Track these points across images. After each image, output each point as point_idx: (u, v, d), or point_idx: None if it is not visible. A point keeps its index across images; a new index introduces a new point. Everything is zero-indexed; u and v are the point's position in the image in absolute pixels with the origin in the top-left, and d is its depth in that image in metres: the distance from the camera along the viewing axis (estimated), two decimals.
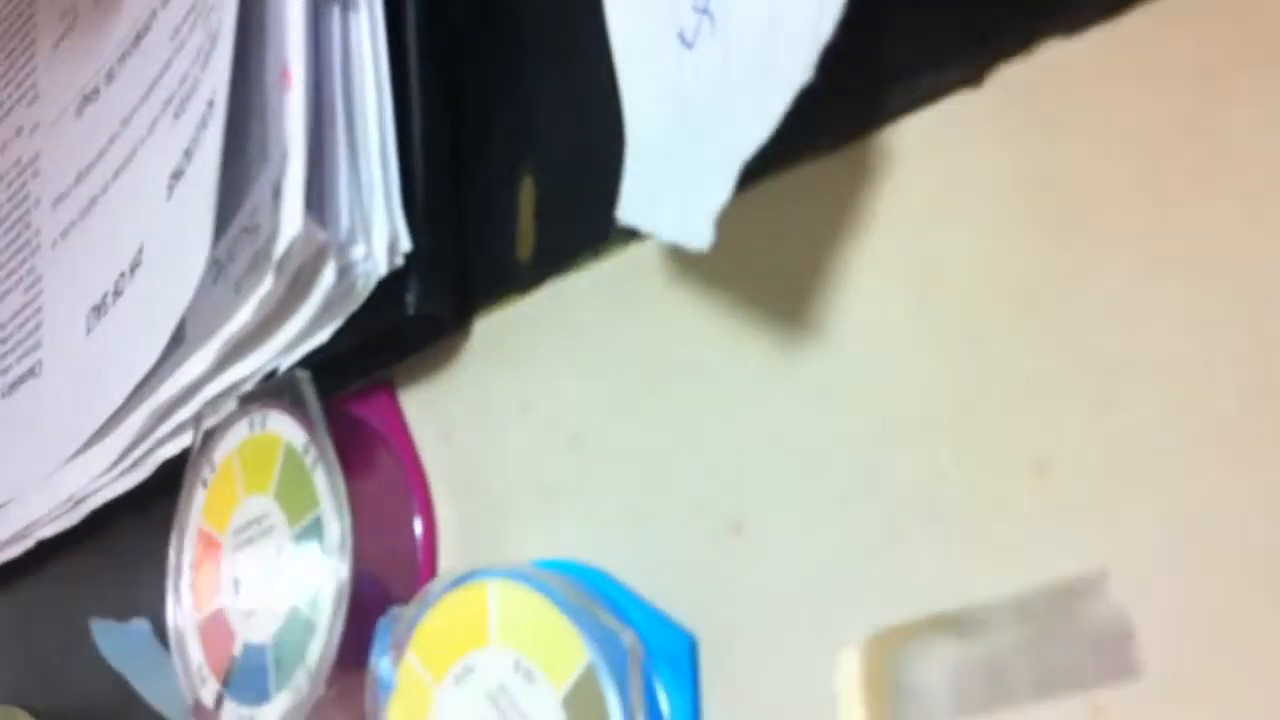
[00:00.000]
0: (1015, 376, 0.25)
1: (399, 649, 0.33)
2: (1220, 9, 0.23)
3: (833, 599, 0.27)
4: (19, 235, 0.54)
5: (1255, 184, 0.22)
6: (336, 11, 0.35)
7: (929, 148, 0.26)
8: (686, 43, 0.29)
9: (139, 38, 0.50)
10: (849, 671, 0.26)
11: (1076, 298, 0.24)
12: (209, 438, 0.39)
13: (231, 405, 0.38)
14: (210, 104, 0.40)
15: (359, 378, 0.38)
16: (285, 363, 0.37)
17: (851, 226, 0.28)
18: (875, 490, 0.27)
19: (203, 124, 0.40)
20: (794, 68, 0.25)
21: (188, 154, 0.42)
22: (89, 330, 0.48)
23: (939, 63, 0.26)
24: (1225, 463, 0.22)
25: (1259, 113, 0.22)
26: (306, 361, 0.37)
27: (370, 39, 0.35)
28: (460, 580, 0.31)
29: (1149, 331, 0.23)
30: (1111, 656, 0.22)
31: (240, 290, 0.36)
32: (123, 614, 0.47)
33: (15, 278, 0.54)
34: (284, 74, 0.36)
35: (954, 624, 0.25)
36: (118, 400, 0.42)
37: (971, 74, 0.26)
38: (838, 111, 0.28)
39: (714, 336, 0.30)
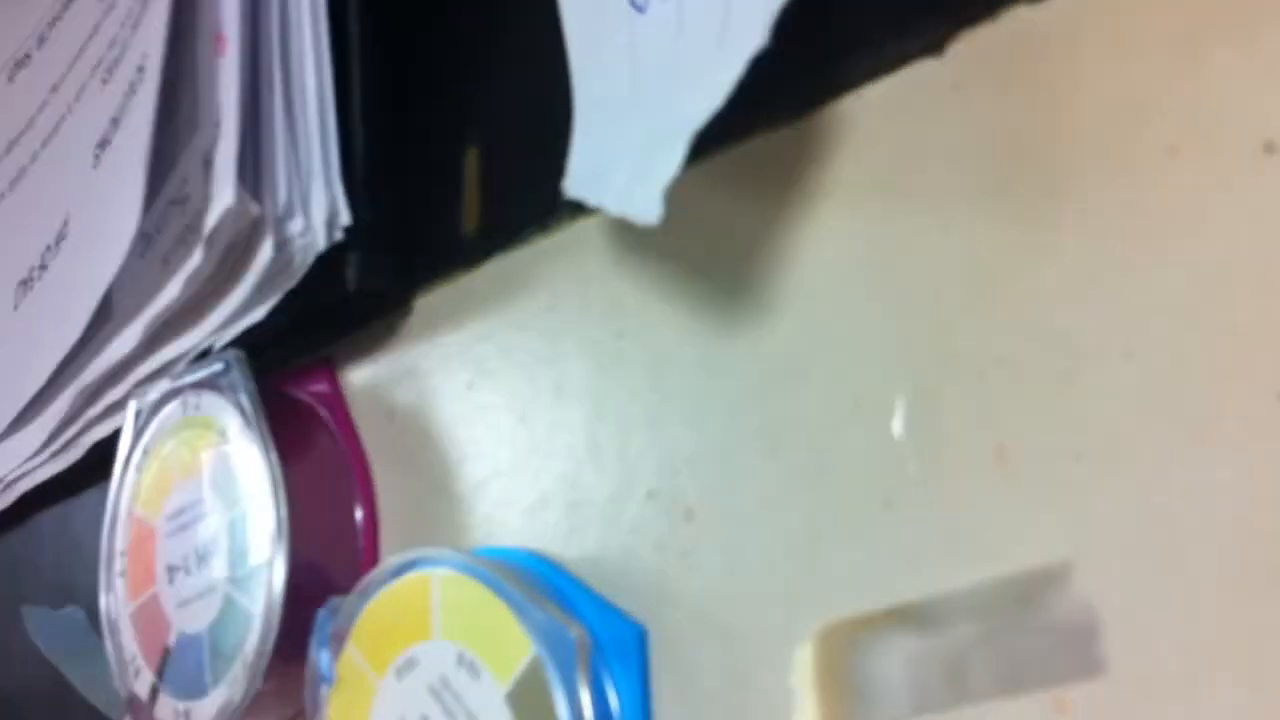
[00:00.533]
0: (976, 357, 0.24)
1: (339, 641, 0.31)
2: None
3: (788, 589, 0.26)
4: None
5: (1230, 157, 0.21)
6: None
7: (889, 118, 0.25)
8: (638, 6, 0.28)
9: (69, 2, 0.48)
10: (804, 665, 0.25)
11: (1042, 275, 0.23)
12: (140, 420, 0.38)
13: (164, 386, 0.37)
14: (140, 69, 0.38)
15: (298, 356, 0.37)
16: (220, 341, 0.36)
17: (807, 201, 0.27)
18: (830, 476, 0.25)
19: (131, 90, 0.38)
20: (748, 32, 0.24)
21: (115, 121, 0.40)
22: (15, 305, 0.46)
23: (900, 29, 0.25)
24: (1195, 449, 0.21)
25: (1236, 83, 0.21)
26: (243, 339, 0.35)
27: (310, 5, 0.34)
28: (402, 569, 0.30)
29: (1117, 311, 0.22)
30: (1077, 651, 0.21)
31: (169, 264, 0.35)
32: (57, 601, 0.46)
33: None
34: (218, 39, 0.35)
35: (913, 616, 0.24)
36: (41, 379, 0.41)
37: (934, 41, 0.25)
38: (793, 80, 0.26)
39: (664, 316, 0.29)
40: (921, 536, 0.24)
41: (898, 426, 0.25)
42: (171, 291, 0.34)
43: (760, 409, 0.27)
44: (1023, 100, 0.23)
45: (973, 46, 0.24)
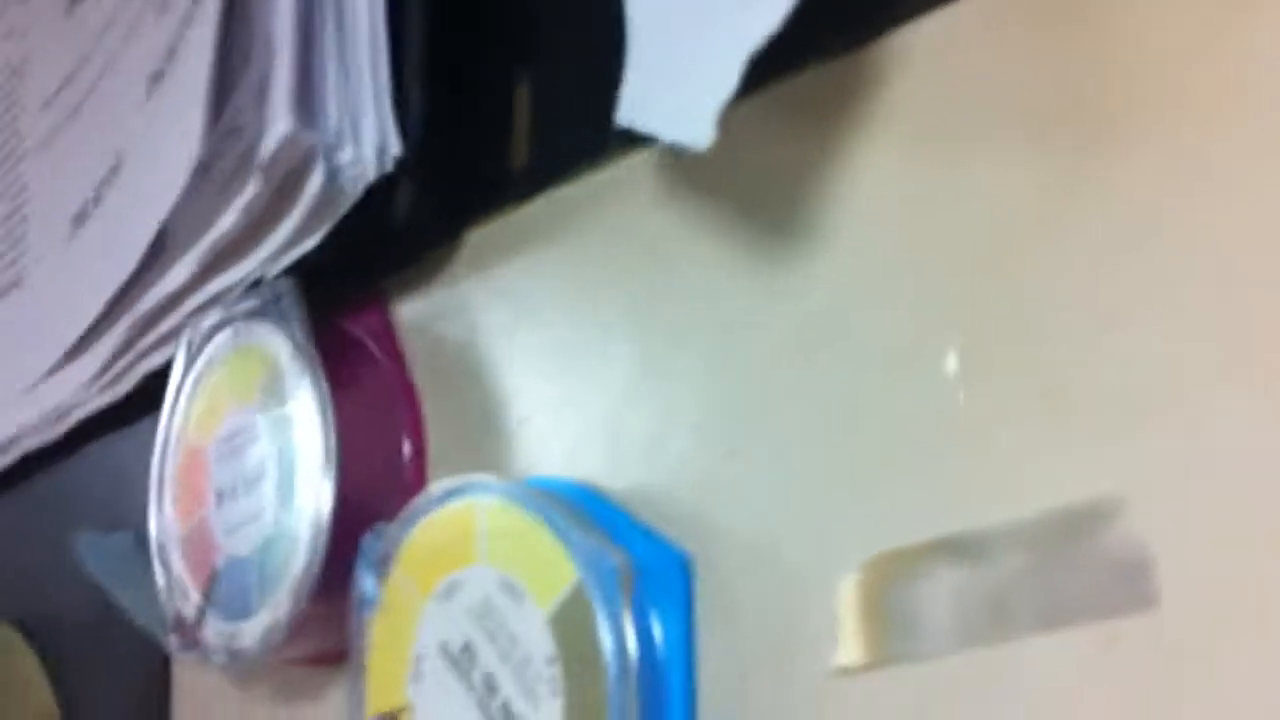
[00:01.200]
0: (1025, 299, 0.24)
1: (384, 565, 0.32)
2: None
3: (831, 522, 0.26)
4: (5, 142, 0.53)
5: None
6: None
7: (944, 53, 0.25)
8: None
9: None
10: (847, 596, 0.25)
11: (1092, 217, 0.23)
12: (193, 349, 0.38)
13: (216, 316, 0.37)
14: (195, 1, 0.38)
15: (349, 289, 0.37)
16: (272, 271, 0.36)
17: (858, 137, 0.26)
18: (876, 414, 0.25)
19: (186, 20, 0.38)
20: None
21: (170, 52, 0.40)
22: (70, 238, 0.46)
23: None
24: (1244, 386, 0.21)
25: None
26: (295, 271, 0.36)
27: None
28: (447, 496, 0.30)
29: (1168, 253, 0.22)
30: (1127, 586, 0.21)
31: (225, 194, 0.35)
32: (108, 527, 0.46)
33: (2, 185, 0.53)
34: None
35: (958, 548, 0.24)
36: (96, 310, 0.41)
37: None
38: (848, 11, 0.26)
39: (711, 253, 0.29)
40: (969, 471, 0.24)
41: (949, 364, 0.25)
42: (228, 221, 0.34)
43: (809, 347, 0.27)
44: (1079, 40, 0.23)
45: None
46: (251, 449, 0.35)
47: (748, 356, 0.28)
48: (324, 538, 0.33)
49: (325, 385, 0.34)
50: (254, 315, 0.36)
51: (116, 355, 0.42)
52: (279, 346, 0.35)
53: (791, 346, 0.27)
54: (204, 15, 0.36)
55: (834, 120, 0.27)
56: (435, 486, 0.31)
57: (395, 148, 0.33)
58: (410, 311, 0.36)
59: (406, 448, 0.35)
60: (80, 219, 0.46)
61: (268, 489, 0.35)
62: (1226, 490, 0.21)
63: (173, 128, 0.37)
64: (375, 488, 0.35)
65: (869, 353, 0.26)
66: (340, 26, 0.33)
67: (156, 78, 0.41)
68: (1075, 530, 0.22)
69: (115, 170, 0.43)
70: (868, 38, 0.26)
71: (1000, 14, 0.24)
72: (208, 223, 0.36)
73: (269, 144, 0.32)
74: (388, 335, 0.36)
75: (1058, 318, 0.23)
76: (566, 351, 0.32)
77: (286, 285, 0.35)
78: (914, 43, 0.26)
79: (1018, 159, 0.24)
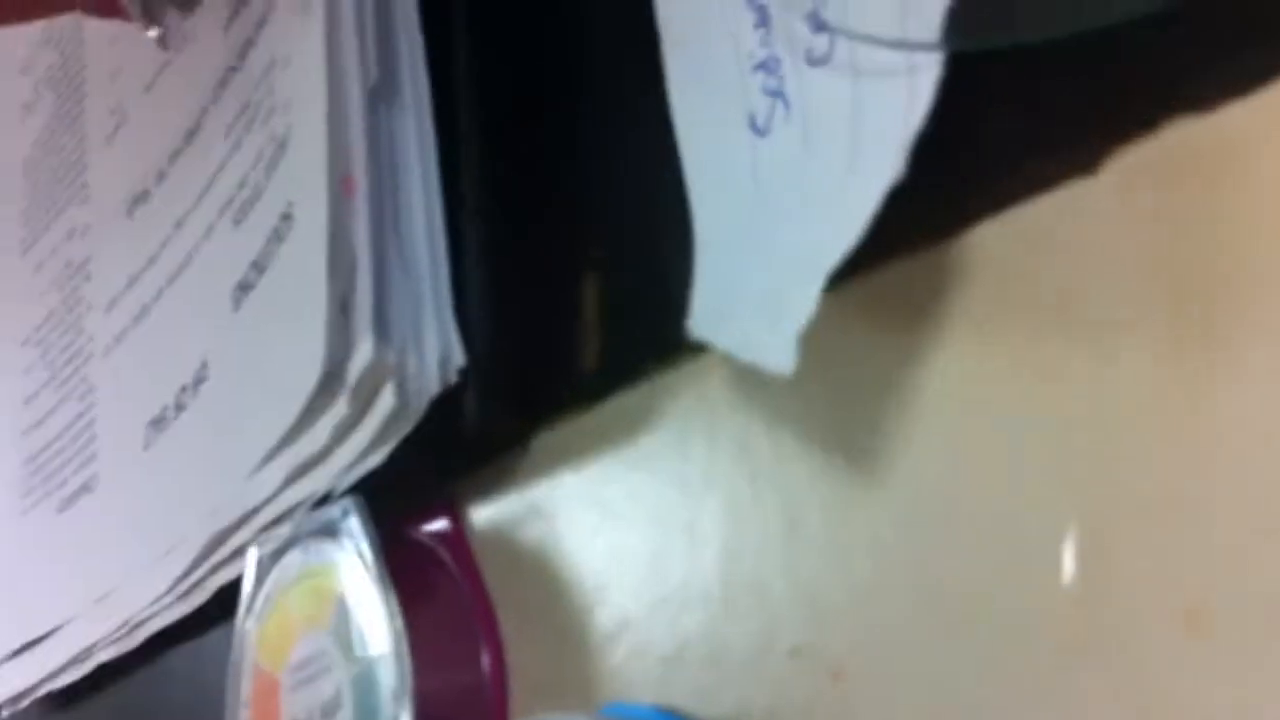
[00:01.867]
0: (1155, 501, 0.21)
1: None
2: None
3: None
4: (71, 341, 0.53)
5: None
6: (382, 107, 0.33)
7: (1037, 244, 0.23)
8: (758, 129, 0.27)
9: (190, 135, 0.48)
10: None
11: (1225, 415, 0.21)
12: (263, 567, 0.37)
13: (284, 534, 0.36)
14: (286, 216, 0.37)
15: (420, 498, 0.36)
16: (342, 486, 0.34)
17: (948, 332, 0.25)
18: (992, 637, 0.23)
19: (276, 236, 0.38)
20: (882, 161, 0.22)
21: (257, 267, 0.39)
22: (148, 445, 0.45)
23: (1049, 147, 0.23)
24: None
25: None
26: (364, 482, 0.34)
27: (417, 135, 0.33)
28: None
29: None
30: None
31: (312, 410, 0.34)
32: None
33: (69, 386, 0.52)
34: (346, 181, 0.34)
35: None
36: (200, 536, 0.40)
37: (1086, 159, 0.22)
38: (931, 205, 0.24)
39: (798, 455, 0.27)
40: (1100, 709, 0.21)
41: (1068, 575, 0.22)
42: (318, 440, 0.33)
43: (910, 555, 0.25)
44: (1190, 221, 0.21)
45: (1130, 164, 0.22)
46: (325, 677, 0.34)
47: (846, 566, 0.26)
48: None
49: (398, 609, 0.32)
50: (323, 534, 0.34)
51: (192, 568, 0.41)
52: (348, 566, 0.33)
53: (891, 555, 0.25)
54: (305, 236, 0.35)
55: (921, 314, 0.25)
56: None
57: (459, 358, 0.31)
58: (483, 519, 0.35)
59: (486, 666, 0.33)
60: (159, 424, 0.45)
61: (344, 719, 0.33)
62: None
63: (281, 345, 0.36)
64: (456, 714, 0.33)
65: (978, 562, 0.24)
66: (400, 238, 0.32)
67: (244, 289, 0.40)
68: None
69: (200, 379, 0.42)
70: (953, 231, 0.24)
71: (1100, 198, 0.23)
72: (287, 437, 0.35)
73: (356, 367, 0.31)
74: (461, 545, 0.35)
75: (1195, 527, 0.21)
76: (649, 561, 0.30)
77: (355, 501, 0.33)
78: (1002, 234, 0.24)
79: (1134, 349, 0.22)
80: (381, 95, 0.33)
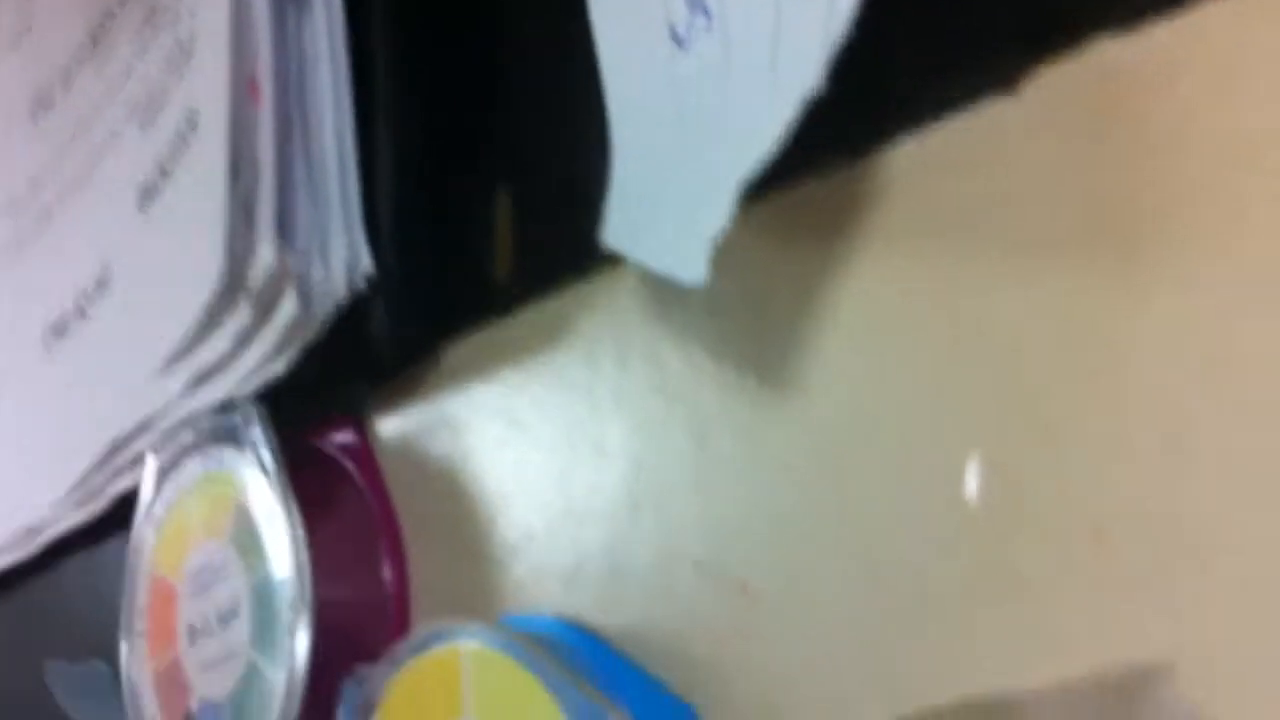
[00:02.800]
0: (1064, 424, 0.21)
1: (366, 714, 0.29)
2: None
3: (854, 677, 0.24)
4: None
5: None
6: (291, 12, 0.32)
7: (956, 162, 0.23)
8: (679, 39, 0.26)
9: (95, 41, 0.46)
10: None
11: (1140, 340, 0.21)
12: (162, 474, 0.36)
13: (184, 440, 0.35)
14: (190, 120, 0.36)
15: (324, 407, 0.35)
16: (243, 393, 0.34)
17: (865, 250, 0.24)
18: (900, 554, 0.23)
19: (180, 139, 0.36)
20: (802, 72, 0.22)
21: (163, 171, 0.38)
22: (48, 350, 0.44)
23: (967, 64, 0.23)
24: None
25: None
26: (267, 388, 0.34)
27: (328, 41, 0.32)
28: (430, 641, 0.28)
29: (1227, 374, 0.20)
30: None
31: (213, 316, 0.33)
32: (86, 649, 0.44)
33: None
34: (252, 85, 0.33)
35: (989, 713, 0.22)
36: (99, 445, 0.39)
37: (1007, 78, 0.22)
38: (849, 120, 0.24)
39: (709, 372, 0.27)
40: (1004, 625, 0.22)
41: (974, 499, 0.22)
42: (219, 346, 0.33)
43: (818, 474, 0.25)
44: (1111, 144, 0.21)
45: (1051, 82, 0.22)
46: (223, 585, 0.33)
47: (753, 485, 0.26)
48: (301, 682, 0.31)
49: (299, 517, 0.31)
50: (222, 441, 0.34)
51: (90, 474, 0.40)
52: (249, 475, 0.33)
53: (800, 475, 0.25)
54: (208, 139, 0.34)
55: (838, 232, 0.25)
56: (418, 631, 0.28)
57: (366, 265, 0.31)
58: (389, 429, 0.34)
59: (388, 578, 0.33)
60: (60, 330, 0.44)
61: (241, 628, 0.33)
62: None
63: (181, 251, 0.35)
64: (356, 624, 0.32)
65: (888, 485, 0.24)
66: (307, 143, 0.31)
67: (148, 193, 0.39)
68: (1121, 697, 0.20)
69: (102, 283, 0.41)
70: (872, 148, 0.24)
71: (1020, 117, 0.22)
72: (191, 342, 0.34)
73: (258, 272, 0.30)
74: (366, 456, 0.34)
75: (1101, 449, 0.21)
76: (556, 474, 0.30)
77: (255, 409, 0.33)
78: (921, 151, 0.24)
79: (1052, 274, 0.22)
80: None
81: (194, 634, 0.34)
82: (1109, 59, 0.21)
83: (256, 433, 0.33)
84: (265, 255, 0.30)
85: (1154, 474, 0.20)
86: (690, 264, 0.22)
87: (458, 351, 0.32)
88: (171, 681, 0.35)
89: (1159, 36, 0.21)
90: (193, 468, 0.35)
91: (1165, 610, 0.20)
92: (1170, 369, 0.20)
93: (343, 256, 0.30)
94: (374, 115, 0.32)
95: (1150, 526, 0.20)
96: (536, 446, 0.30)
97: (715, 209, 0.21)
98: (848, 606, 0.24)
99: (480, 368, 0.32)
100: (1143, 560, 0.20)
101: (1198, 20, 0.20)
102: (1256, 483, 0.19)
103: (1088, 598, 0.21)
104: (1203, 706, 0.19)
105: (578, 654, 0.27)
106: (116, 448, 0.39)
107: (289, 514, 0.32)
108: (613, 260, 0.29)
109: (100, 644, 0.43)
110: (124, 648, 0.36)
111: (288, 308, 0.30)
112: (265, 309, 0.31)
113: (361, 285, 0.31)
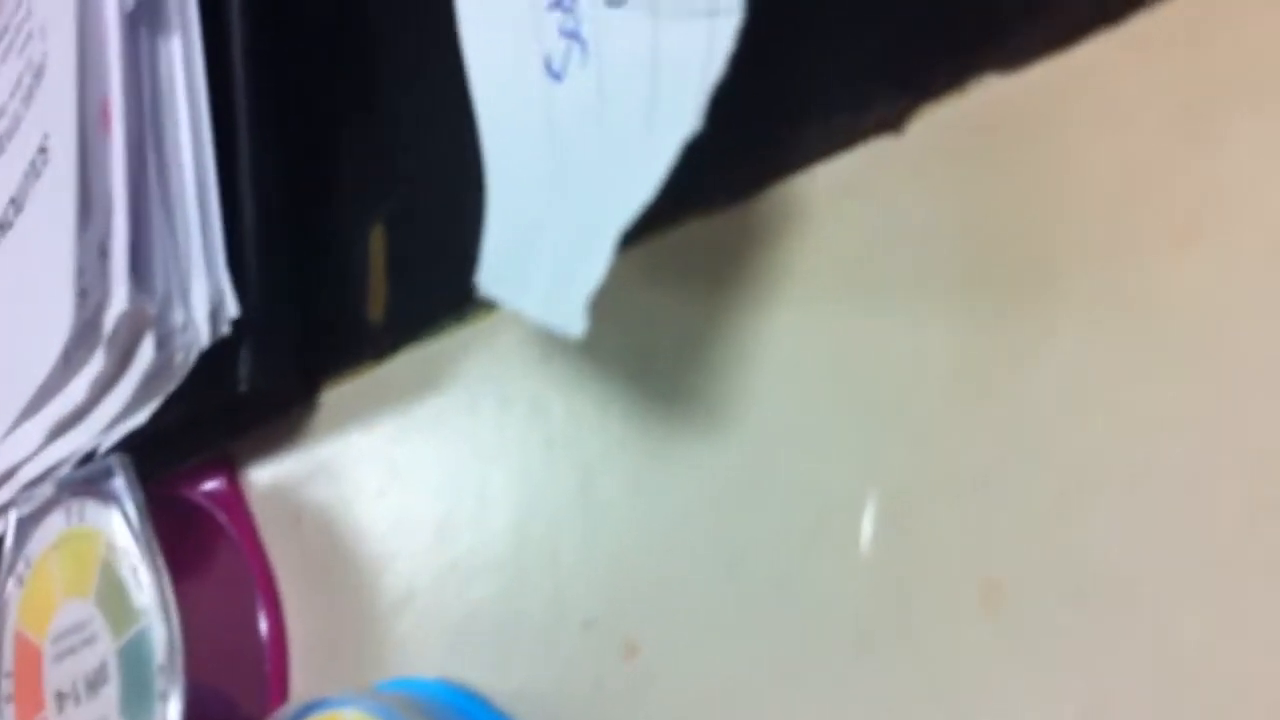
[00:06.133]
0: (957, 476, 0.21)
1: None
2: (1195, 38, 0.19)
3: None
4: None
5: (1251, 250, 0.18)
6: (144, 33, 0.30)
7: (843, 202, 0.22)
8: (554, 73, 0.25)
9: None
10: None
11: (1031, 383, 0.20)
12: (23, 528, 0.34)
13: (46, 493, 0.33)
14: (43, 150, 0.34)
15: (192, 454, 0.33)
16: (106, 443, 0.32)
17: (753, 293, 0.23)
18: (792, 609, 0.22)
19: (33, 171, 0.34)
20: (680, 111, 0.21)
21: (15, 204, 0.36)
22: None
23: (854, 103, 0.22)
24: (1219, 594, 0.18)
25: (1255, 162, 0.18)
26: (133, 437, 0.32)
27: (184, 65, 0.30)
28: (308, 711, 0.27)
29: (1121, 428, 0.19)
30: None
31: (69, 362, 0.31)
32: None
33: None
34: (104, 112, 0.31)
35: None
36: None
37: (892, 116, 0.21)
38: (734, 159, 0.23)
39: (594, 421, 0.26)
40: (898, 687, 0.21)
41: (867, 550, 0.22)
42: (76, 394, 0.31)
43: (709, 528, 0.24)
44: (999, 183, 0.20)
45: (937, 121, 0.21)
46: (90, 649, 0.31)
47: (642, 538, 0.25)
48: None
49: (167, 575, 0.30)
50: (86, 494, 0.32)
51: None
52: (114, 529, 0.31)
53: (689, 529, 0.24)
54: (58, 172, 0.32)
55: (724, 274, 0.24)
56: (292, 705, 0.27)
57: (231, 309, 0.29)
58: (266, 478, 0.33)
59: (264, 633, 0.31)
60: None
61: (110, 693, 0.31)
62: (1189, 715, 0.18)
63: (33, 293, 0.33)
64: (231, 682, 0.31)
65: (779, 538, 0.23)
66: (165, 175, 0.30)
67: (1, 227, 0.36)
68: None
69: None
70: (758, 187, 0.23)
71: (907, 157, 0.22)
72: (49, 390, 0.32)
73: (111, 317, 0.28)
74: (236, 503, 0.33)
75: (994, 502, 0.20)
76: (438, 527, 0.29)
77: (120, 460, 0.31)
78: (809, 191, 0.23)
79: (939, 316, 0.21)
80: (142, 19, 0.30)
81: (62, 700, 0.32)
82: (994, 97, 0.20)
83: (120, 485, 0.31)
84: (119, 297, 0.28)
85: (1049, 526, 0.19)
86: (568, 315, 0.20)
87: (334, 395, 0.31)
88: None
89: (1044, 74, 0.20)
90: (55, 522, 0.33)
91: (1060, 668, 0.19)
92: (1064, 420, 0.19)
93: (205, 298, 0.29)
94: (236, 144, 0.31)
95: (1043, 579, 0.19)
96: (418, 495, 0.29)
97: (593, 258, 0.20)
98: (736, 663, 0.23)
99: (358, 413, 0.30)
100: (1035, 615, 0.19)
101: (1081, 57, 0.19)
102: (1154, 538, 0.18)
103: (980, 654, 0.20)
104: None
105: (463, 719, 0.26)
106: None
107: (156, 572, 0.30)
108: (493, 304, 0.27)
109: None
110: None
111: (146, 353, 0.29)
112: (122, 356, 0.29)
113: (226, 330, 0.29)
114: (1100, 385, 0.19)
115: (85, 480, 0.32)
